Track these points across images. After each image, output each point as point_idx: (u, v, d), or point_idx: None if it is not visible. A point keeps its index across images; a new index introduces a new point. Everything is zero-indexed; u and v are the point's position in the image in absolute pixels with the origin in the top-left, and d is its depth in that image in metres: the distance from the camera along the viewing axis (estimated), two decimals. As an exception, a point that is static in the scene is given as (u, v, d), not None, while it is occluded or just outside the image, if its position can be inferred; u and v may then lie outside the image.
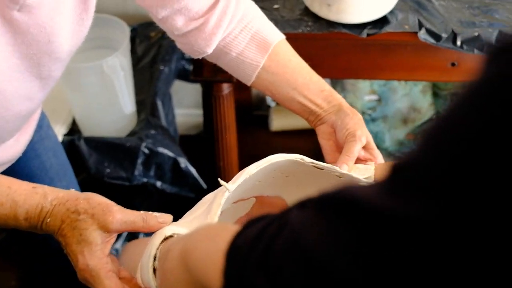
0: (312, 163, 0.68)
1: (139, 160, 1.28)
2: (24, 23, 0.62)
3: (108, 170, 1.28)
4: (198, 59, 1.14)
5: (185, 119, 1.89)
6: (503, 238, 0.26)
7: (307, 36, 1.08)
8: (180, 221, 0.65)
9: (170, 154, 1.31)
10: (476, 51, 1.01)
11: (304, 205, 0.37)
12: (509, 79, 0.27)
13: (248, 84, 0.81)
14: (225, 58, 0.79)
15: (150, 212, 0.62)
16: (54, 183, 0.90)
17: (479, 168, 0.27)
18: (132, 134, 1.34)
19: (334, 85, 1.55)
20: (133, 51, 1.46)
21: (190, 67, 1.64)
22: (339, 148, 0.77)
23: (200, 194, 1.40)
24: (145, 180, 1.31)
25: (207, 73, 1.18)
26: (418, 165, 0.31)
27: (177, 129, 1.60)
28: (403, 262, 0.29)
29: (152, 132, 1.32)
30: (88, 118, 1.31)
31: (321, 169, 0.69)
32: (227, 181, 1.44)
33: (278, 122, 1.81)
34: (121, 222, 0.60)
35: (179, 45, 0.81)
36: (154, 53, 1.52)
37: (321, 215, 0.34)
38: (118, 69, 1.21)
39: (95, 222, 0.59)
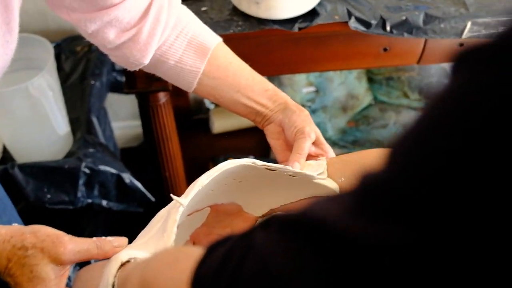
0: (264, 165, 0.67)
1: (81, 181, 1.22)
2: None
3: (48, 196, 1.21)
4: (129, 71, 1.11)
5: (124, 132, 1.84)
6: (484, 259, 0.25)
7: (239, 36, 1.06)
8: (134, 242, 0.62)
9: (113, 171, 1.27)
10: (405, 34, 1.03)
11: (268, 224, 0.36)
12: (482, 89, 0.26)
13: (190, 91, 0.79)
14: (163, 67, 0.77)
15: (103, 238, 0.59)
16: None
17: (454, 187, 0.25)
18: (69, 155, 1.28)
19: (271, 81, 1.54)
20: (59, 68, 1.40)
21: (122, 79, 1.59)
22: (289, 147, 0.77)
23: (149, 207, 1.37)
24: (89, 201, 1.26)
25: (141, 84, 1.14)
26: (386, 185, 0.29)
27: (116, 144, 1.55)
28: None
29: (91, 150, 1.26)
30: (20, 144, 1.24)
31: (274, 170, 0.68)
32: (176, 192, 1.41)
33: (219, 124, 1.79)
34: (74, 252, 0.56)
35: (113, 58, 0.78)
36: (82, 68, 1.46)
37: (286, 238, 0.32)
38: (46, 89, 1.15)
39: (45, 256, 0.55)
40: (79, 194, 1.23)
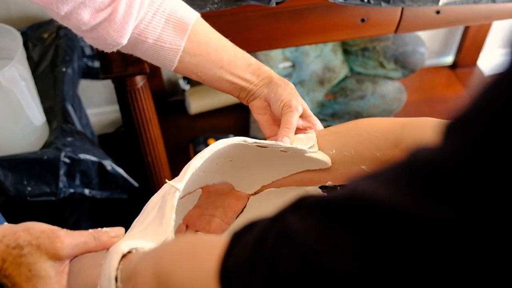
0: (255, 142, 0.66)
1: (62, 171, 1.20)
2: None
3: (29, 189, 1.18)
4: (104, 55, 1.08)
5: (99, 119, 1.81)
6: None
7: (216, 13, 1.04)
8: (130, 231, 0.61)
9: (93, 158, 1.24)
10: (383, 4, 1.03)
11: (298, 208, 0.34)
12: None
13: (171, 70, 0.77)
14: (142, 46, 0.75)
15: (99, 229, 0.57)
16: None
17: None
18: (47, 145, 1.25)
19: (247, 58, 1.53)
20: (28, 57, 1.35)
21: (94, 64, 1.55)
22: (276, 121, 0.76)
23: (133, 193, 1.35)
24: (71, 190, 1.23)
25: (116, 69, 1.11)
26: (443, 162, 0.27)
27: (93, 131, 1.52)
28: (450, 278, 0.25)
29: (69, 139, 1.23)
30: (-5, 137, 1.20)
31: (265, 147, 0.68)
32: (160, 176, 1.39)
33: (196, 104, 1.77)
34: (72, 246, 0.54)
35: (89, 41, 0.75)
36: (52, 56, 1.42)
37: (330, 223, 0.30)
38: (18, 79, 1.11)
39: (43, 253, 0.53)
40: (61, 185, 1.21)
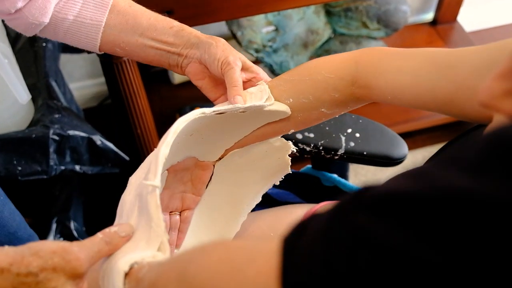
0: (214, 111, 0.65)
1: (51, 149, 1.18)
2: None
3: (19, 168, 1.17)
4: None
5: (81, 93, 1.78)
6: None
7: (200, -20, 1.02)
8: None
9: (82, 134, 1.23)
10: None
11: (365, 204, 0.31)
12: None
13: (96, 50, 0.74)
14: (63, 25, 0.72)
15: (107, 230, 0.54)
16: None
17: None
18: (34, 123, 1.23)
19: (230, 24, 1.51)
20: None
21: (73, 37, 1.51)
22: (218, 82, 0.74)
23: (124, 167, 1.34)
24: (62, 168, 1.22)
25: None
26: None
27: (79, 106, 1.50)
28: None
29: (56, 116, 1.22)
30: (-21, 118, 1.18)
31: (223, 113, 0.67)
32: (150, 148, 1.38)
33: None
34: (88, 260, 0.51)
35: (11, 23, 0.73)
36: (30, 31, 1.38)
37: (416, 222, 0.28)
38: (0, 57, 1.08)
39: (61, 275, 0.49)
40: (52, 162, 1.19)
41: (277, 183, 0.78)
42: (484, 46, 0.56)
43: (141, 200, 0.57)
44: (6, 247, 0.50)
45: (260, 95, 0.68)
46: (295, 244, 0.34)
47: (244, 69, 0.72)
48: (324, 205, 0.81)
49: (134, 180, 0.62)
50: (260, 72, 0.73)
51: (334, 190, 0.94)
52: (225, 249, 0.43)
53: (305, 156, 0.84)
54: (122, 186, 1.03)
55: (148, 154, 1.36)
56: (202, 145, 0.73)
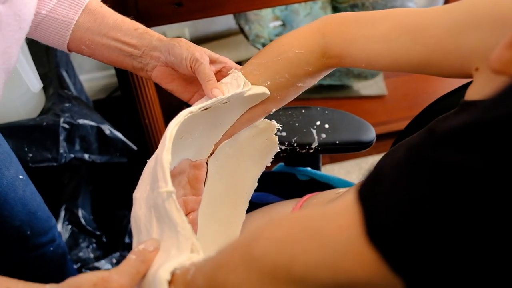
0: (200, 108, 0.66)
1: (61, 137, 1.21)
2: (6, 16, 0.56)
3: (30, 155, 1.20)
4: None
5: (90, 84, 1.81)
6: None
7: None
8: (146, 254, 0.54)
9: (92, 123, 1.26)
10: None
11: (439, 140, 0.33)
12: None
13: (65, 48, 0.74)
14: (35, 19, 0.71)
15: (136, 249, 0.53)
16: (1, 173, 0.85)
17: None
18: (45, 112, 1.26)
19: (238, 19, 1.53)
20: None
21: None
22: (189, 81, 0.75)
23: (131, 157, 1.37)
24: (72, 156, 1.25)
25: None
26: None
27: (88, 97, 1.53)
28: None
29: (67, 105, 1.24)
30: (-8, 106, 1.21)
31: (208, 107, 0.67)
32: (157, 138, 1.40)
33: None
34: (130, 283, 0.50)
35: None
36: (42, 22, 1.41)
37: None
38: (14, 46, 1.11)
39: None
40: (61, 150, 1.22)
41: (269, 164, 0.79)
42: (451, 6, 0.57)
43: (157, 210, 0.56)
44: (48, 286, 0.51)
45: (236, 83, 0.69)
46: (372, 191, 0.36)
47: (211, 62, 0.72)
48: (309, 198, 0.82)
49: (140, 195, 0.61)
50: (227, 61, 0.73)
51: (311, 182, 0.96)
52: (291, 220, 0.43)
53: (281, 154, 0.86)
54: (129, 175, 1.05)
55: (156, 144, 1.39)
56: (193, 145, 0.73)
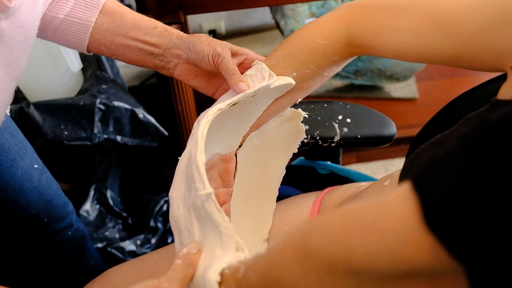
0: (228, 104, 0.66)
1: (97, 117, 1.25)
2: (9, 30, 0.57)
3: (66, 133, 1.24)
4: (141, 3, 1.12)
5: (126, 71, 1.84)
6: None
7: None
8: (188, 256, 0.55)
9: (127, 106, 1.29)
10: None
11: (491, 128, 0.35)
12: None
13: (84, 50, 0.74)
14: (52, 24, 0.72)
15: (180, 254, 0.55)
16: (16, 163, 0.87)
17: None
18: (82, 92, 1.30)
19: (274, 13, 1.55)
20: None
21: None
22: (211, 77, 0.75)
23: (162, 142, 1.40)
24: (105, 136, 1.29)
25: (153, 17, 1.14)
26: None
27: (124, 82, 1.57)
28: None
29: (104, 86, 1.28)
30: (33, 83, 1.25)
31: (236, 103, 0.68)
32: (188, 126, 1.42)
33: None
34: None
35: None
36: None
37: None
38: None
39: None
40: (96, 130, 1.26)
41: (296, 150, 0.80)
42: (487, 2, 0.53)
43: (198, 212, 0.57)
44: None
45: (261, 75, 0.69)
46: (427, 179, 0.37)
47: (233, 54, 0.71)
48: (329, 191, 0.83)
49: (176, 195, 0.62)
50: (249, 52, 0.73)
51: (331, 176, 0.96)
52: (344, 214, 0.43)
53: (303, 148, 0.87)
54: (158, 160, 1.06)
55: (187, 131, 1.41)
56: (222, 139, 0.73)
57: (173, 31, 0.73)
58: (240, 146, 0.77)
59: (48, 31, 0.72)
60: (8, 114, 1.13)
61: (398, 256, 0.37)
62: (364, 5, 0.64)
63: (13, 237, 0.99)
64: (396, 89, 1.78)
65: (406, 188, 0.38)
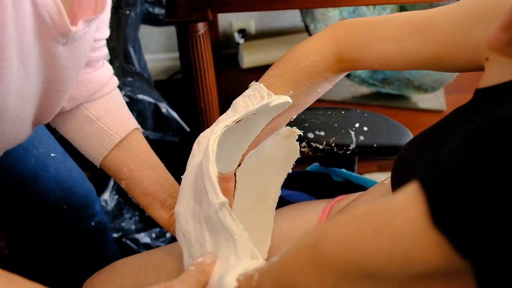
0: (234, 121, 0.67)
1: (120, 109, 1.26)
2: (64, 57, 0.58)
3: (89, 122, 1.25)
4: (170, 1, 1.12)
5: (154, 65, 1.86)
6: None
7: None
8: (202, 264, 0.56)
9: (150, 100, 1.30)
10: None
11: (496, 130, 0.36)
12: None
13: (99, 160, 0.74)
14: (85, 123, 0.74)
15: (195, 262, 0.56)
16: (29, 151, 0.88)
17: None
18: (108, 83, 1.31)
19: (304, 16, 1.54)
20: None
21: (154, 10, 1.59)
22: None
23: (184, 137, 1.41)
24: (127, 128, 1.30)
25: (181, 14, 1.15)
26: None
27: (150, 75, 1.58)
28: None
29: (129, 79, 1.29)
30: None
31: (240, 120, 0.69)
32: (210, 122, 1.43)
33: (249, 58, 1.80)
34: None
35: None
36: (116, -2, 1.47)
37: None
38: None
39: None
40: (119, 122, 1.27)
41: (290, 170, 0.80)
42: (458, 4, 0.59)
43: (210, 223, 0.58)
44: None
45: (259, 95, 0.70)
46: (434, 179, 0.37)
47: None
48: (340, 199, 0.82)
49: (183, 210, 0.64)
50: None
51: (346, 184, 0.95)
52: (355, 218, 0.44)
53: (318, 154, 0.86)
54: (179, 155, 1.07)
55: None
56: (224, 158, 0.74)
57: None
58: (239, 165, 0.77)
59: (73, 126, 0.74)
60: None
61: (411, 258, 0.38)
62: (350, 22, 0.68)
63: (34, 221, 1.01)
64: (423, 100, 1.75)
65: (413, 188, 0.39)
